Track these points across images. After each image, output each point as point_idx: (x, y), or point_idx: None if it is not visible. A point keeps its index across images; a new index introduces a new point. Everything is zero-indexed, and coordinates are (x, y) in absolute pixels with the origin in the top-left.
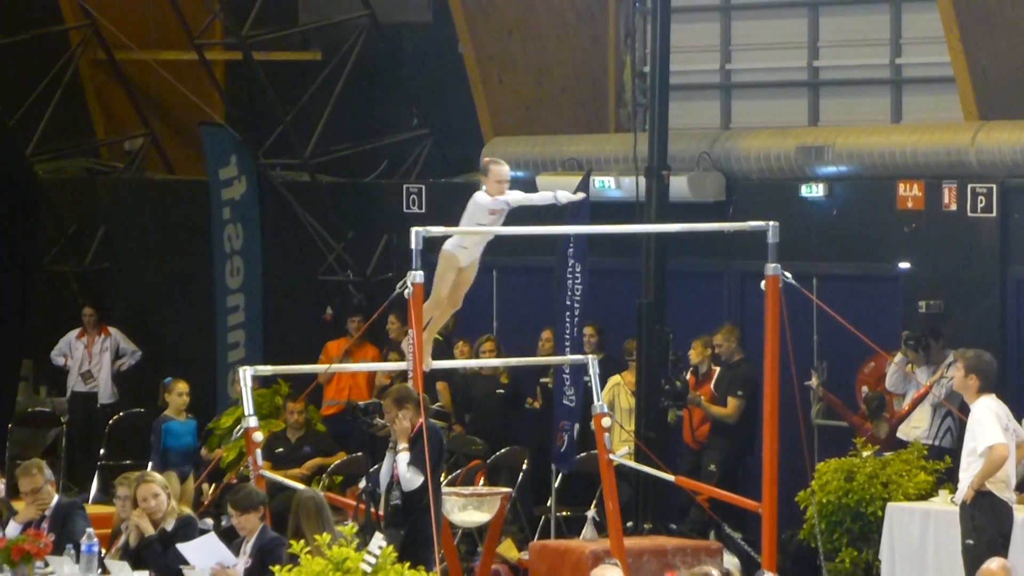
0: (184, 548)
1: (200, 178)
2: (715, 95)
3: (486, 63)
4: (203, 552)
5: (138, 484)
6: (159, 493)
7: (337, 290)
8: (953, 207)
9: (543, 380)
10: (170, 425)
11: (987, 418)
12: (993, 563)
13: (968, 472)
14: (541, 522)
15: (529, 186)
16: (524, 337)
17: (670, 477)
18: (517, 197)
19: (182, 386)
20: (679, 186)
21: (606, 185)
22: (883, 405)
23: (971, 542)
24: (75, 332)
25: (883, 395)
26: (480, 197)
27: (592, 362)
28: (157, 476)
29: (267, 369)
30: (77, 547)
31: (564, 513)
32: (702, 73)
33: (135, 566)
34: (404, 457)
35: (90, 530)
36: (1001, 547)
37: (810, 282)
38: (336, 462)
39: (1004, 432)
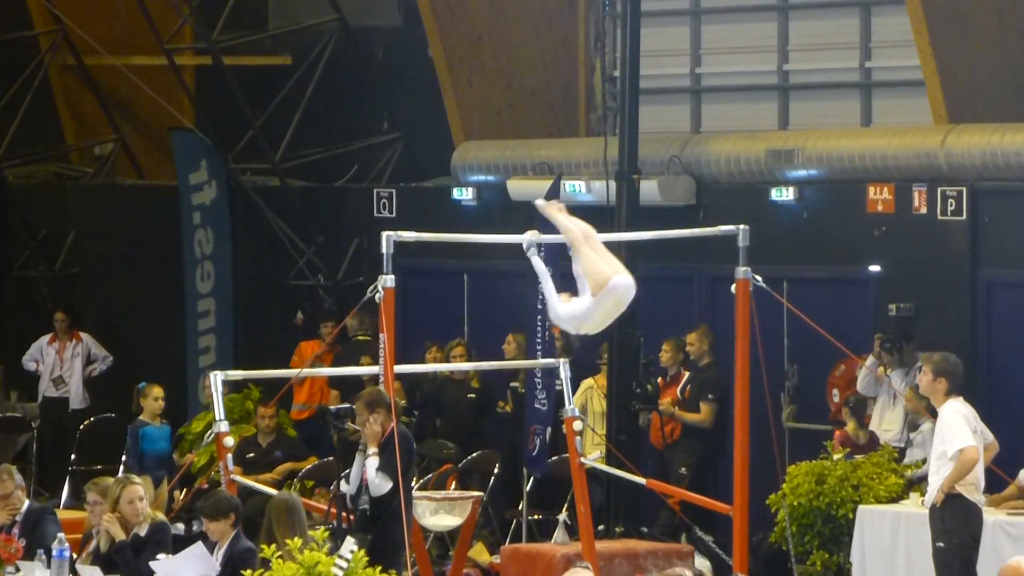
0: (159, 566)
1: (170, 183)
2: (685, 99)
3: (456, 67)
4: (182, 565)
5: (123, 487)
6: (143, 497)
7: (308, 295)
8: (923, 210)
9: (513, 384)
10: (146, 430)
11: (956, 421)
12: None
13: (938, 475)
14: (512, 526)
15: (499, 189)
16: (495, 341)
17: (641, 480)
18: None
19: (157, 391)
20: (649, 190)
21: (577, 189)
22: (865, 407)
23: (941, 545)
24: (46, 337)
25: (865, 398)
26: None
27: (563, 366)
28: (140, 481)
29: (238, 374)
30: (48, 552)
31: (535, 517)
32: (672, 77)
33: (106, 571)
34: (373, 462)
35: (61, 535)
36: (972, 549)
37: (780, 285)
38: (307, 467)
39: (973, 435)
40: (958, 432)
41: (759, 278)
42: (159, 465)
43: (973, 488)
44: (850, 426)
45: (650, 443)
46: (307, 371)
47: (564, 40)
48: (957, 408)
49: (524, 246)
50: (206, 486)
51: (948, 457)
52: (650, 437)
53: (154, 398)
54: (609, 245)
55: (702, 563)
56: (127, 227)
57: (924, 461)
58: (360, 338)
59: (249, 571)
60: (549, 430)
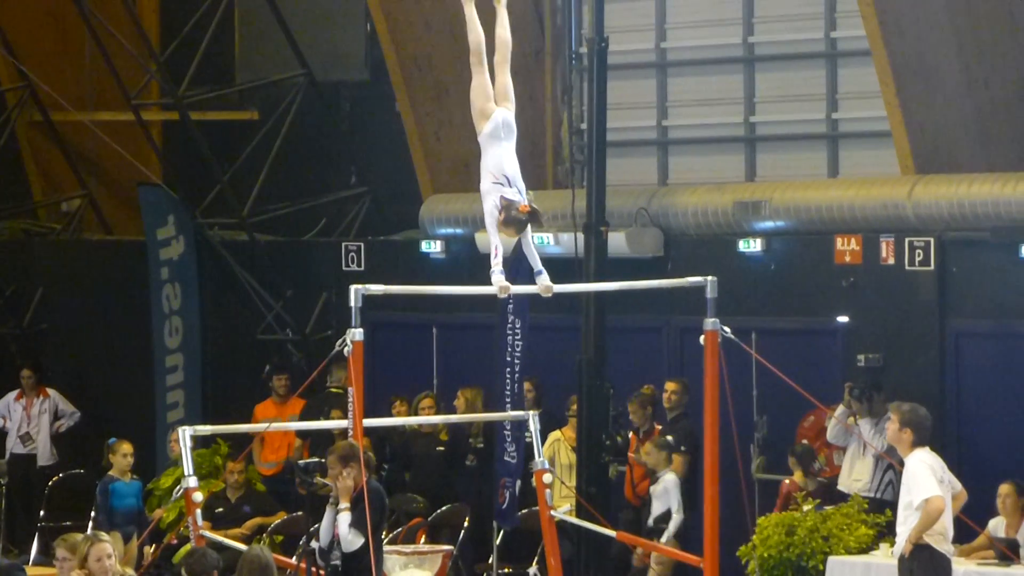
0: None
1: (138, 238)
2: (652, 151)
3: (424, 121)
4: None
5: (91, 544)
6: (112, 555)
7: (276, 349)
8: (891, 261)
9: (470, 440)
10: (116, 486)
11: (922, 471)
12: None
13: (905, 526)
14: None
15: (467, 242)
16: None
17: (611, 533)
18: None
19: (127, 447)
20: (617, 242)
21: (545, 241)
22: (813, 457)
23: None
24: (13, 394)
25: (812, 448)
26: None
27: (533, 418)
28: (108, 538)
29: (206, 429)
30: None
31: (506, 570)
32: (639, 129)
33: None
34: (345, 518)
35: None
36: None
37: (749, 337)
38: (276, 521)
39: (940, 484)
40: (923, 482)
41: (727, 329)
42: (129, 521)
43: (942, 538)
44: (797, 475)
45: (620, 495)
46: (276, 425)
47: (531, 93)
48: (923, 458)
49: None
50: (175, 541)
51: (915, 507)
52: (625, 491)
53: (123, 454)
54: (577, 295)
55: None
56: (95, 283)
57: (663, 516)
58: (334, 390)
59: None
60: (519, 483)
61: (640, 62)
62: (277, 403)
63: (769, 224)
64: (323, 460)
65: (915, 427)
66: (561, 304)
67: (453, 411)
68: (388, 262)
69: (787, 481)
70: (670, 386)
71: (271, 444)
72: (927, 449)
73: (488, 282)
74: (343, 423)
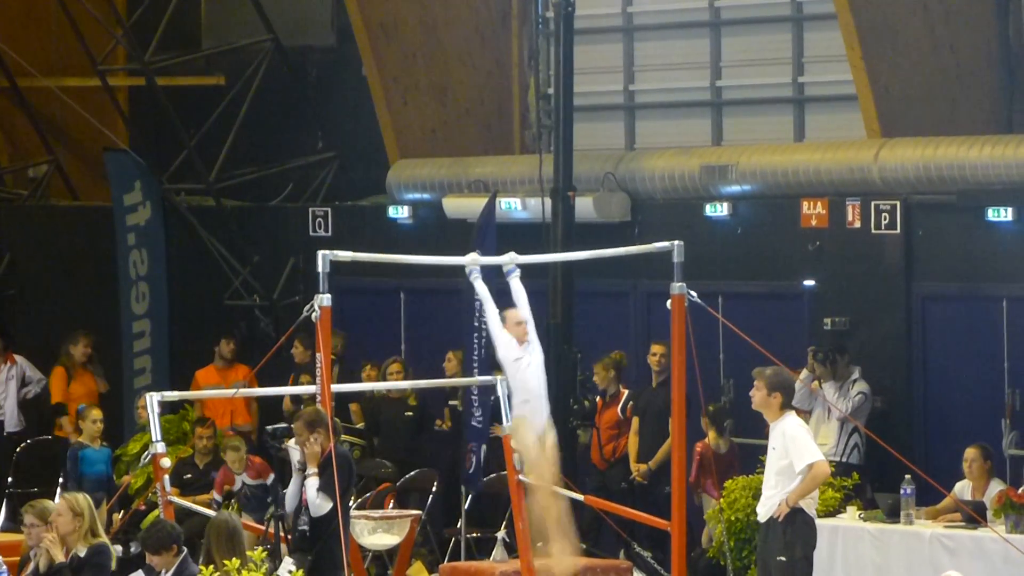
0: None
1: (105, 204)
2: (619, 116)
3: (390, 86)
4: None
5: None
6: (63, 514)
7: (244, 315)
8: (857, 224)
9: (452, 403)
10: (85, 452)
11: (803, 436)
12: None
13: (777, 489)
14: (451, 544)
15: (435, 207)
16: (432, 359)
17: (579, 496)
18: (532, 327)
19: (96, 413)
20: (584, 207)
21: (512, 206)
22: (724, 415)
23: (783, 559)
24: None
25: (725, 407)
26: (506, 346)
27: (500, 383)
28: (79, 499)
29: (174, 395)
30: None
31: (474, 535)
32: (606, 94)
33: None
34: (313, 483)
35: None
36: (810, 563)
37: (716, 300)
38: None
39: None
40: (806, 447)
41: (694, 293)
42: (98, 487)
43: (812, 502)
44: (710, 435)
45: (590, 460)
46: (244, 391)
47: (498, 58)
48: (799, 422)
49: (466, 270)
50: (143, 507)
51: (796, 471)
52: (592, 456)
53: (92, 420)
54: (544, 266)
55: None
56: (62, 249)
57: None
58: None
59: None
60: (484, 447)
61: (606, 26)
62: (220, 368)
63: (736, 188)
64: (291, 425)
65: (784, 390)
66: (529, 269)
67: (422, 376)
68: (355, 227)
69: (699, 444)
70: (657, 348)
71: (215, 411)
72: (794, 413)
73: (455, 253)
74: (311, 389)
